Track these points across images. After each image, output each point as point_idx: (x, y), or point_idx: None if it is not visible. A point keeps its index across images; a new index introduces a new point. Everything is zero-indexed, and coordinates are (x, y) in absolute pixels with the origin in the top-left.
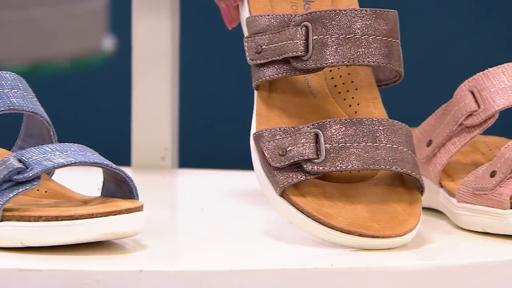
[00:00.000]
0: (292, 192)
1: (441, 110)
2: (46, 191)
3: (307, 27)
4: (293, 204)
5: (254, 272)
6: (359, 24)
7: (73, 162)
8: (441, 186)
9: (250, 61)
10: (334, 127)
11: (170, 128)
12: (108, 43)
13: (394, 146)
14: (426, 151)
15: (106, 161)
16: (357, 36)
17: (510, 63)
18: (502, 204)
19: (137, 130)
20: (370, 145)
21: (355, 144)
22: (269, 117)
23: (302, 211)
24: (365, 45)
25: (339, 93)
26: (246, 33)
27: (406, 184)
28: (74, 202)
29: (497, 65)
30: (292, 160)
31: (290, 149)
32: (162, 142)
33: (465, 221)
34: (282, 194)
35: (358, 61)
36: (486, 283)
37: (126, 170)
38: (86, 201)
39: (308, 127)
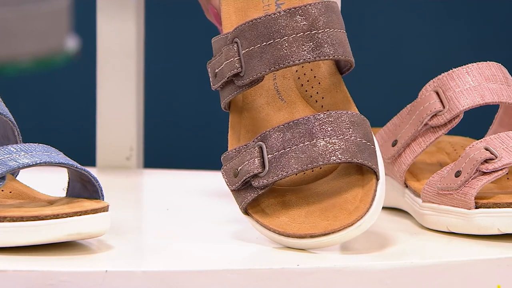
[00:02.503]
0: (253, 209)
1: (406, 110)
2: (10, 192)
3: (237, 43)
4: (255, 220)
5: (221, 272)
6: (275, 28)
7: (38, 162)
8: (406, 186)
9: (212, 86)
10: (273, 136)
11: (135, 128)
12: (72, 43)
13: (333, 137)
14: (391, 151)
15: (71, 162)
16: (277, 40)
17: (474, 64)
18: (467, 204)
19: (102, 130)
20: (308, 144)
21: (293, 147)
22: (240, 137)
23: (262, 225)
24: (285, 47)
25: (306, 91)
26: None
27: (363, 170)
28: (39, 202)
29: (460, 65)
30: (242, 180)
31: (240, 169)
32: (127, 142)
33: (430, 221)
34: (246, 212)
35: (284, 64)
36: (451, 282)
37: (91, 170)
38: (51, 202)
39: (253, 141)
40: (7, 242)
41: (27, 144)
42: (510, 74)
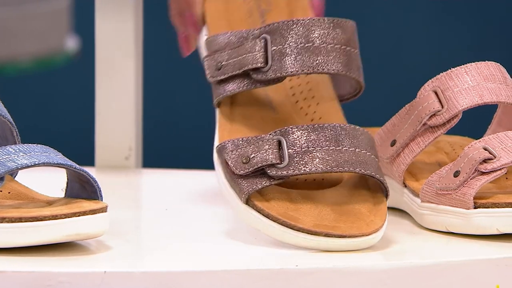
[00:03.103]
0: (257, 199)
1: (404, 110)
2: (9, 192)
3: (265, 39)
4: (258, 210)
5: (220, 272)
6: (317, 33)
7: (36, 163)
8: (405, 186)
9: (211, 78)
10: (296, 133)
11: (134, 128)
12: (71, 43)
13: (357, 149)
14: (390, 151)
15: (70, 162)
16: (316, 45)
17: (473, 64)
18: (466, 204)
19: (101, 130)
20: (333, 148)
21: (318, 148)
22: (232, 132)
23: (267, 215)
24: (323, 53)
25: (301, 108)
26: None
27: (370, 188)
28: (38, 203)
29: (459, 65)
30: (256, 166)
31: (254, 156)
32: (126, 142)
33: (429, 221)
34: (247, 202)
35: (318, 69)
36: (450, 282)
37: (90, 170)
38: (50, 202)
39: (270, 134)
40: (6, 243)
41: (25, 144)
42: (509, 74)
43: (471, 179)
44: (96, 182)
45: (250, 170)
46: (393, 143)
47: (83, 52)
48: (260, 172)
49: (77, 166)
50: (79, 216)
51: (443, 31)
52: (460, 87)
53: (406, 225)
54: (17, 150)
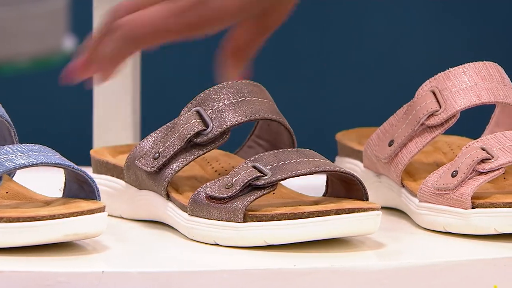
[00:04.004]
0: (254, 211)
1: (402, 110)
2: (7, 192)
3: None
4: (260, 217)
5: (218, 272)
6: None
7: (34, 163)
8: (403, 186)
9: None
10: (267, 156)
11: (132, 128)
12: (69, 43)
13: (323, 159)
14: (387, 151)
15: (68, 162)
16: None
17: (471, 63)
18: (464, 204)
19: (99, 130)
20: (306, 159)
21: (292, 161)
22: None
23: (273, 216)
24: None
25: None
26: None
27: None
28: (36, 203)
29: (458, 65)
30: (243, 184)
31: (236, 180)
32: (123, 142)
33: (427, 221)
34: (244, 217)
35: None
36: (448, 282)
37: (88, 170)
38: (47, 202)
39: (245, 163)
40: (4, 243)
41: (23, 144)
42: (509, 73)
43: (469, 179)
44: (94, 182)
45: (239, 188)
46: (391, 143)
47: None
48: (249, 188)
49: (75, 166)
50: (77, 216)
51: (442, 30)
52: (458, 87)
53: (404, 225)
54: (15, 150)
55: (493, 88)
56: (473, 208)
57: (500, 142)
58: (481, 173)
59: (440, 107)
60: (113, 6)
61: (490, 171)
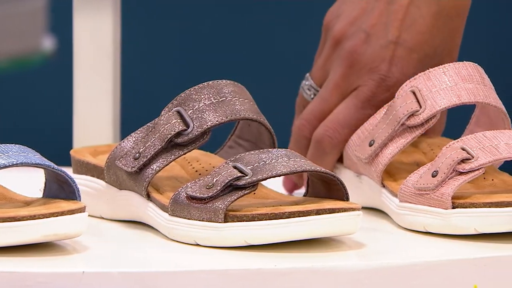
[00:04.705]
0: (234, 212)
1: (382, 110)
2: None
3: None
4: (240, 217)
5: (198, 273)
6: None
7: (14, 163)
8: (384, 186)
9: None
10: (247, 156)
11: (112, 129)
12: (48, 43)
13: (303, 160)
14: (368, 150)
15: (48, 162)
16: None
17: (451, 64)
18: (444, 204)
19: (79, 130)
20: (287, 159)
21: (273, 161)
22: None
23: (253, 216)
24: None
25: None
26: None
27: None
28: (16, 203)
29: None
30: (224, 184)
31: (216, 180)
32: (103, 143)
33: (407, 221)
34: (225, 216)
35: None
36: (428, 282)
37: (68, 171)
38: (28, 203)
39: (226, 163)
40: None
41: (3, 144)
42: (495, 73)
43: (449, 179)
44: (74, 182)
45: (219, 188)
46: (371, 143)
47: (60, 52)
48: (230, 188)
49: (55, 166)
50: (57, 216)
51: None
52: (438, 87)
53: (385, 225)
54: None
55: (473, 88)
56: (453, 208)
57: (480, 142)
58: (461, 173)
59: (421, 107)
60: (299, 121)
61: (470, 171)
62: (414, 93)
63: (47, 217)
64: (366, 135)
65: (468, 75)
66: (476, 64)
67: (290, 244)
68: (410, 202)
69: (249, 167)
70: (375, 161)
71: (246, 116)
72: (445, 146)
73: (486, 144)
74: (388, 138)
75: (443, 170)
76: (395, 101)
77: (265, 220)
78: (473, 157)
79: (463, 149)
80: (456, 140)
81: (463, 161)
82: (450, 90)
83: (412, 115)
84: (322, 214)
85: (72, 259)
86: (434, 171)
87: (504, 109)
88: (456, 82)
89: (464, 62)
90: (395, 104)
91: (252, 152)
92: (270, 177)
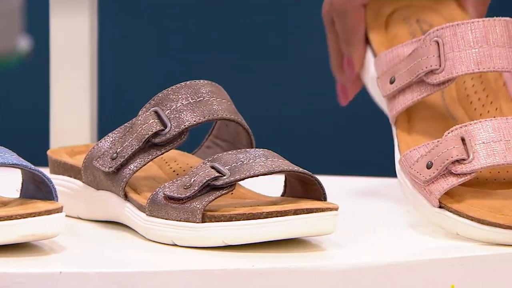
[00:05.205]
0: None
1: (410, 47)
2: None
3: (438, 43)
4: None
5: (175, 273)
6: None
7: None
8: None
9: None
10: (225, 156)
11: (89, 129)
12: (24, 43)
13: (281, 160)
14: (389, 88)
15: (25, 162)
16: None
17: (480, 21)
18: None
19: (56, 130)
20: (264, 159)
21: (251, 161)
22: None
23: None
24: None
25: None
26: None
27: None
28: None
29: None
30: (201, 184)
31: (194, 180)
32: (81, 143)
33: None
34: (203, 215)
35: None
36: (405, 282)
37: (45, 171)
38: (4, 203)
39: (203, 163)
40: None
41: None
42: None
43: (441, 175)
44: (51, 182)
45: (197, 188)
46: (392, 80)
47: (36, 52)
48: (208, 188)
49: (32, 166)
50: (34, 216)
51: None
52: (461, 48)
53: (364, 225)
54: None
55: (497, 54)
56: (440, 207)
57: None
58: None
59: (440, 65)
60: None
61: (463, 174)
62: (438, 45)
63: (24, 218)
64: (388, 67)
65: (495, 38)
66: (508, 20)
67: (268, 244)
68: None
69: (227, 167)
70: (393, 101)
71: (223, 116)
72: (447, 131)
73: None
74: (406, 85)
75: (439, 164)
76: (420, 49)
77: (243, 220)
78: (468, 157)
79: (463, 139)
80: (461, 125)
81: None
82: (471, 55)
83: (431, 71)
84: (300, 214)
85: (49, 259)
86: (429, 161)
87: None
88: (481, 44)
89: (494, 18)
90: (420, 52)
91: (230, 152)
92: (247, 177)
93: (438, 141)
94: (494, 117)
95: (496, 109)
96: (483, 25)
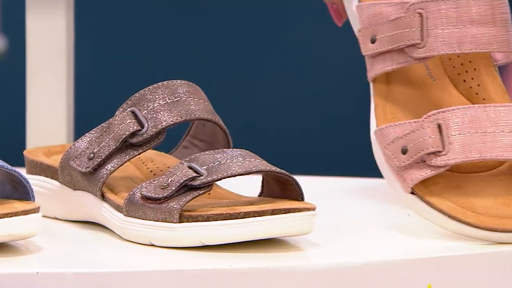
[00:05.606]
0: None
1: (393, 12)
2: None
3: (421, 15)
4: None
5: (153, 273)
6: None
7: None
8: None
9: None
10: (202, 157)
11: (66, 129)
12: (0, 43)
13: (258, 160)
14: (370, 47)
15: (1, 163)
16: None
17: None
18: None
19: (32, 130)
20: (242, 160)
21: (228, 161)
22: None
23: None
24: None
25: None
26: (355, 26)
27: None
28: None
29: None
30: (179, 183)
31: (171, 180)
32: (57, 143)
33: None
34: (181, 213)
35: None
36: (382, 282)
37: (22, 171)
38: None
39: (181, 163)
40: None
41: None
42: None
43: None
44: (28, 182)
45: (175, 188)
46: (373, 40)
47: (12, 52)
48: (185, 188)
49: (9, 166)
50: (11, 217)
51: None
52: (444, 25)
53: (341, 225)
54: None
55: (480, 34)
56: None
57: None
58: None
59: (422, 40)
60: None
61: (439, 166)
62: (421, 17)
63: (1, 218)
64: (370, 23)
65: (478, 16)
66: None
67: (246, 244)
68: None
69: (204, 167)
70: (373, 61)
71: (200, 116)
72: (427, 114)
73: (464, 131)
74: (388, 50)
75: (414, 153)
76: (403, 19)
77: (220, 220)
78: (442, 150)
79: (439, 126)
80: (439, 110)
81: (434, 152)
82: (454, 34)
83: (413, 45)
84: (277, 214)
85: (26, 259)
86: (404, 147)
87: None
88: (464, 24)
89: None
90: (403, 22)
91: (207, 152)
92: (225, 177)
93: (415, 123)
94: (472, 78)
95: (475, 69)
96: (467, 3)
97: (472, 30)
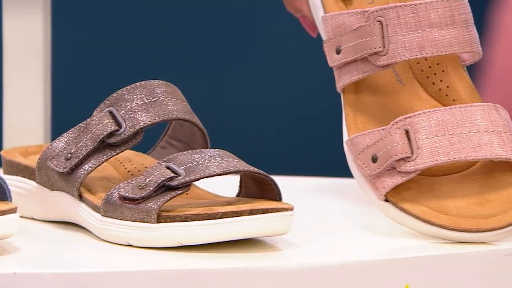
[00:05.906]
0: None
1: (354, 22)
2: None
3: (381, 23)
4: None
5: (131, 273)
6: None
7: None
8: None
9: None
10: (180, 157)
11: (43, 129)
12: None
13: (235, 160)
14: (335, 57)
15: None
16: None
17: (422, 3)
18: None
19: (9, 131)
20: (220, 160)
21: (206, 161)
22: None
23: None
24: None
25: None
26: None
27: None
28: None
29: None
30: (157, 184)
31: (149, 180)
32: (34, 143)
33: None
34: (158, 216)
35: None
36: (360, 282)
37: None
38: None
39: (159, 163)
40: None
41: None
42: None
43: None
44: (5, 183)
45: (153, 188)
46: (338, 51)
47: None
48: (164, 188)
49: None
50: None
51: None
52: (404, 32)
53: (319, 225)
54: None
55: (439, 38)
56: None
57: (430, 126)
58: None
59: (384, 47)
60: None
61: (410, 171)
62: (381, 25)
63: None
64: (335, 34)
65: (437, 19)
66: None
67: (224, 244)
68: None
69: (182, 167)
70: (340, 71)
71: (178, 116)
72: (393, 122)
73: (432, 135)
74: (353, 60)
75: (382, 161)
76: (364, 28)
77: (198, 220)
78: (412, 155)
79: (407, 132)
80: (405, 116)
81: (403, 159)
82: (414, 39)
83: (376, 53)
84: (255, 214)
85: (3, 260)
86: (375, 155)
87: (480, 51)
88: (423, 28)
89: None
90: (364, 31)
91: (185, 152)
92: (203, 178)
93: (383, 130)
94: (441, 80)
95: (443, 71)
96: (425, 8)
97: (433, 34)
